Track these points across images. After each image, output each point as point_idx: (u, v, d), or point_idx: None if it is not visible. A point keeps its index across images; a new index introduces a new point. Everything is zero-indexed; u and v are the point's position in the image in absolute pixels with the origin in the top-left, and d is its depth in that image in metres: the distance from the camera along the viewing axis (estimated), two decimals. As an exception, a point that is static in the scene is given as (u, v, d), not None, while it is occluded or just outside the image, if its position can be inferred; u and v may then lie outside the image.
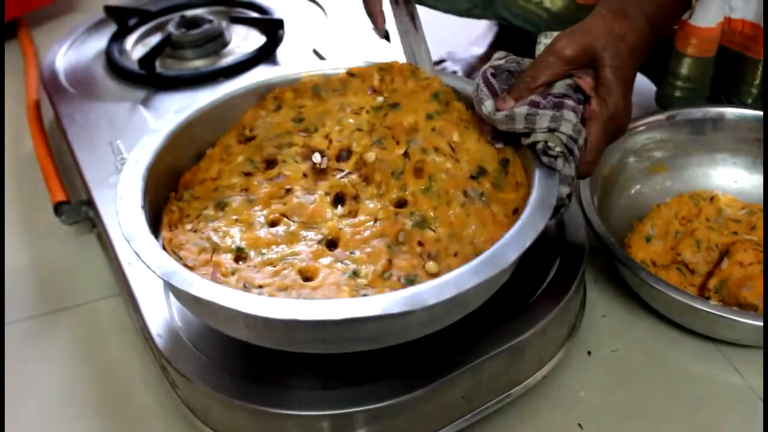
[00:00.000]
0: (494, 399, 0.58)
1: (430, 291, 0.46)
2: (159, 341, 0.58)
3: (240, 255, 0.55)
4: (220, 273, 0.53)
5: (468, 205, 0.57)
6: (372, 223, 0.57)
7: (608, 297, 0.71)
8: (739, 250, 0.69)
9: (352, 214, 0.58)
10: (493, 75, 0.60)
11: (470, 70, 1.03)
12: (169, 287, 0.57)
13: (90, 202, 0.76)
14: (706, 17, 0.76)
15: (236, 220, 0.58)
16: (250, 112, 0.67)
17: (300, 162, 0.63)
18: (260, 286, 0.52)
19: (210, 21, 0.97)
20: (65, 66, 0.98)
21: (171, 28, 0.96)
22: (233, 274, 0.53)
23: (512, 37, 1.04)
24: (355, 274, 0.53)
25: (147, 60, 0.91)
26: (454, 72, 1.02)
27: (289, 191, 0.60)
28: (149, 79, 0.91)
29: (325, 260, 0.54)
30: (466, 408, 0.57)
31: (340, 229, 0.57)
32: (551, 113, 0.55)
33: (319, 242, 0.56)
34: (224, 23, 0.99)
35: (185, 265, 0.53)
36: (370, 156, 0.61)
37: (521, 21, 0.89)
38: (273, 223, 0.58)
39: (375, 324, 0.48)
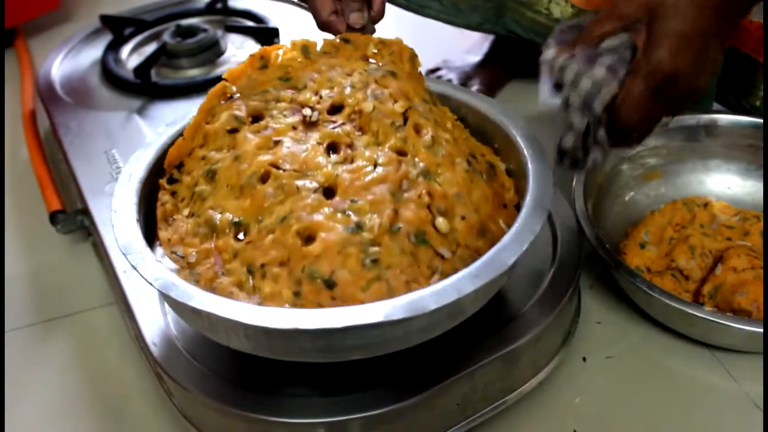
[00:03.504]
0: (489, 406, 0.58)
1: (431, 296, 0.46)
2: (154, 349, 0.58)
3: (240, 230, 0.53)
4: (223, 260, 0.52)
5: (472, 174, 0.56)
6: (371, 168, 0.53)
7: (603, 303, 0.71)
8: (732, 256, 0.69)
9: (349, 160, 0.55)
10: (563, 31, 0.60)
11: (466, 78, 1.03)
12: (167, 300, 0.57)
13: (85, 211, 0.76)
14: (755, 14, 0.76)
15: (228, 187, 0.55)
16: (234, 68, 0.62)
17: (289, 116, 0.59)
18: (263, 265, 0.51)
19: (205, 30, 0.97)
20: (61, 75, 0.98)
21: (166, 37, 0.96)
22: (236, 257, 0.52)
23: (509, 46, 1.05)
24: (359, 227, 0.50)
25: (142, 69, 0.91)
26: (449, 80, 1.03)
27: (278, 143, 0.57)
28: (145, 88, 0.91)
29: (325, 211, 0.51)
30: (461, 415, 0.57)
31: (337, 175, 0.53)
32: (578, 67, 0.55)
33: (316, 191, 0.52)
34: (219, 32, 0.99)
35: (188, 263, 0.53)
36: (368, 105, 0.57)
37: (531, 33, 0.88)
38: (264, 178, 0.54)
39: (376, 331, 0.48)
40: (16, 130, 1.02)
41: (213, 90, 0.61)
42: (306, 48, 0.64)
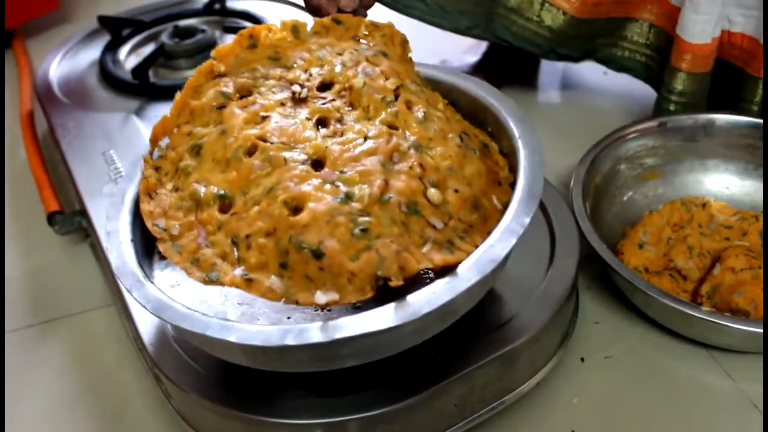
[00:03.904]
0: (487, 406, 0.58)
1: (424, 299, 0.46)
2: (152, 350, 0.58)
3: (225, 203, 0.52)
4: (206, 233, 0.52)
5: (464, 149, 0.55)
6: (362, 140, 0.53)
7: (601, 303, 0.71)
8: (730, 256, 0.69)
9: (338, 134, 0.54)
10: None
11: (463, 79, 1.03)
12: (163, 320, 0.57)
13: (83, 212, 0.76)
14: (701, 33, 0.76)
15: (213, 161, 0.54)
16: (222, 47, 0.62)
17: (277, 93, 0.58)
18: (248, 236, 0.50)
19: (203, 31, 0.97)
20: (59, 76, 0.98)
21: (164, 38, 0.96)
22: (220, 229, 0.51)
23: (506, 48, 1.04)
24: (348, 197, 0.49)
25: (140, 70, 0.91)
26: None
27: (265, 118, 0.56)
28: (143, 89, 0.91)
29: (314, 182, 0.50)
30: (459, 415, 0.57)
31: (326, 147, 0.52)
32: None
33: (304, 163, 0.52)
34: (217, 33, 0.99)
35: (170, 235, 0.53)
36: (358, 81, 0.57)
37: (523, 42, 0.87)
38: (251, 151, 0.53)
39: (369, 339, 0.47)
40: (14, 131, 1.02)
41: (200, 67, 0.61)
42: (296, 28, 0.63)
